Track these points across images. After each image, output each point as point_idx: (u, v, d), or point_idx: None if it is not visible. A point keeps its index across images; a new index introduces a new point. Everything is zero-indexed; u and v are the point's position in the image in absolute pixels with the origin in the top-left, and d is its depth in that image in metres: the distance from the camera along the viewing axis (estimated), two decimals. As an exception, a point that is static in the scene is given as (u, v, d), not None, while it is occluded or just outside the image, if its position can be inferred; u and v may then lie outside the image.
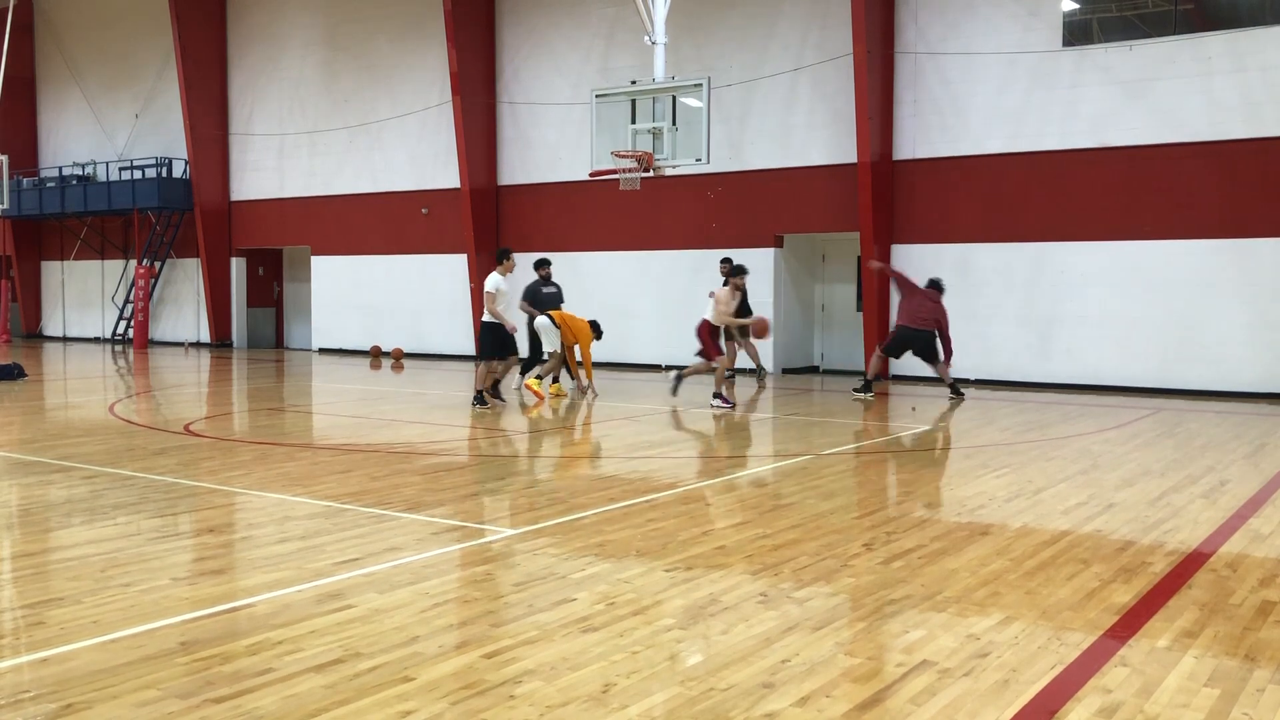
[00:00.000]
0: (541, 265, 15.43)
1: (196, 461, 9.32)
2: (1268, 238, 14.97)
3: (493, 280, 13.34)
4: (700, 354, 14.44)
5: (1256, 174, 15.01)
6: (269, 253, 27.54)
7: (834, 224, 18.44)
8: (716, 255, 19.59)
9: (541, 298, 15.06)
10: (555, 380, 14.94)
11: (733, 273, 14.56)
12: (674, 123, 13.88)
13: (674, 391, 14.61)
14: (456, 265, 22.60)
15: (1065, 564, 5.87)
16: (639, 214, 20.07)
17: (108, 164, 28.16)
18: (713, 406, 13.46)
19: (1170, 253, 15.69)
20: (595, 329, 14.82)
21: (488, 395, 13.44)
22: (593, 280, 20.36)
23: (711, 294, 14.47)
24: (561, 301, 15.29)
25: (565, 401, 14.30)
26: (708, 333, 14.15)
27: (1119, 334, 15.99)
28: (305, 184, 25.37)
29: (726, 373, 14.58)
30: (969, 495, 7.93)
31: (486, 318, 13.35)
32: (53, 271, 31.55)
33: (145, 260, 27.36)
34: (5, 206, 24.86)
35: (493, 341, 13.32)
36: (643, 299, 20.07)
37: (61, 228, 30.64)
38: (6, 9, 26.61)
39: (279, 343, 27.91)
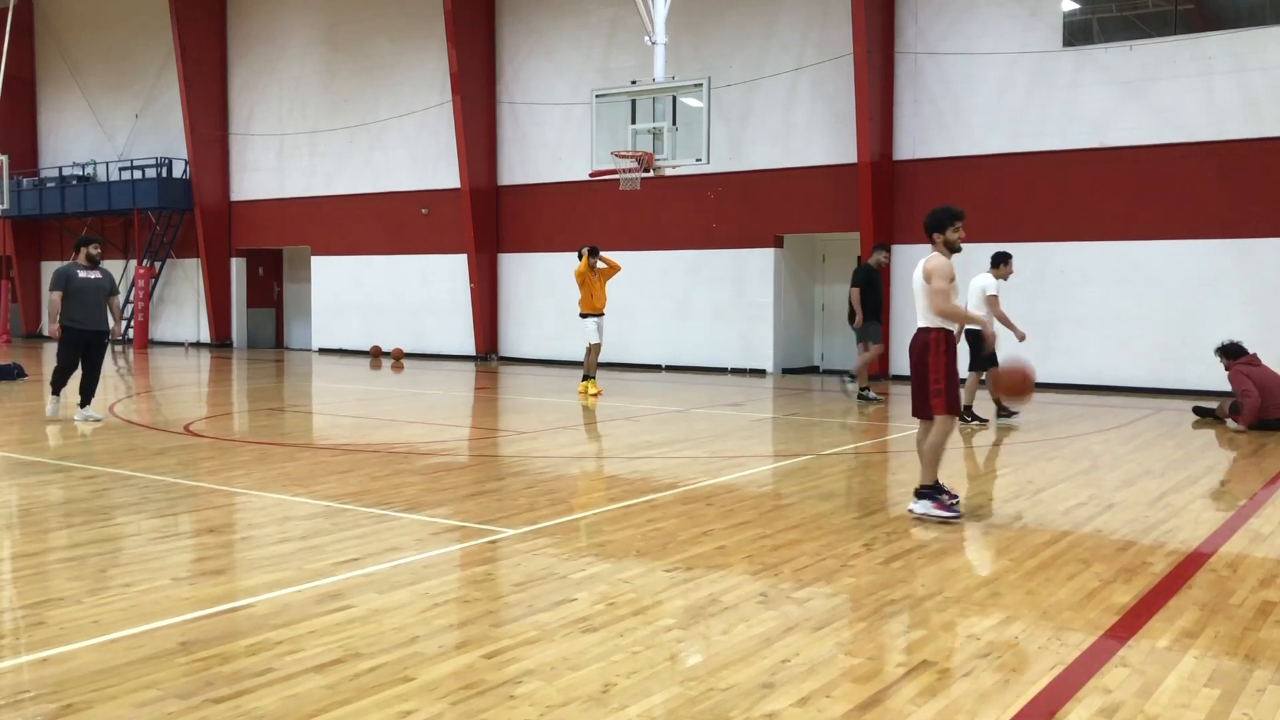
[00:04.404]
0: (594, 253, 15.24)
1: (196, 461, 9.32)
2: (1268, 238, 14.97)
3: (993, 282, 11.92)
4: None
5: (1257, 174, 15.01)
6: (269, 253, 27.54)
7: (834, 224, 18.44)
8: (716, 255, 19.60)
9: None
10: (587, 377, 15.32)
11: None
12: (674, 123, 13.88)
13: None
14: (456, 265, 22.60)
15: (1065, 564, 5.87)
16: (639, 214, 20.06)
17: (108, 164, 28.17)
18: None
19: (1170, 253, 15.68)
20: (582, 256, 15.05)
21: (969, 414, 11.84)
22: (593, 280, 20.35)
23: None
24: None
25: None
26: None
27: (1119, 334, 15.99)
28: (305, 184, 25.37)
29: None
30: (969, 495, 7.92)
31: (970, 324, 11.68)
32: (53, 272, 31.54)
33: (145, 260, 27.36)
34: (5, 207, 24.87)
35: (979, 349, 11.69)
36: (643, 299, 20.06)
37: (61, 228, 30.63)
38: (6, 9, 26.61)
39: (279, 343, 27.92)
